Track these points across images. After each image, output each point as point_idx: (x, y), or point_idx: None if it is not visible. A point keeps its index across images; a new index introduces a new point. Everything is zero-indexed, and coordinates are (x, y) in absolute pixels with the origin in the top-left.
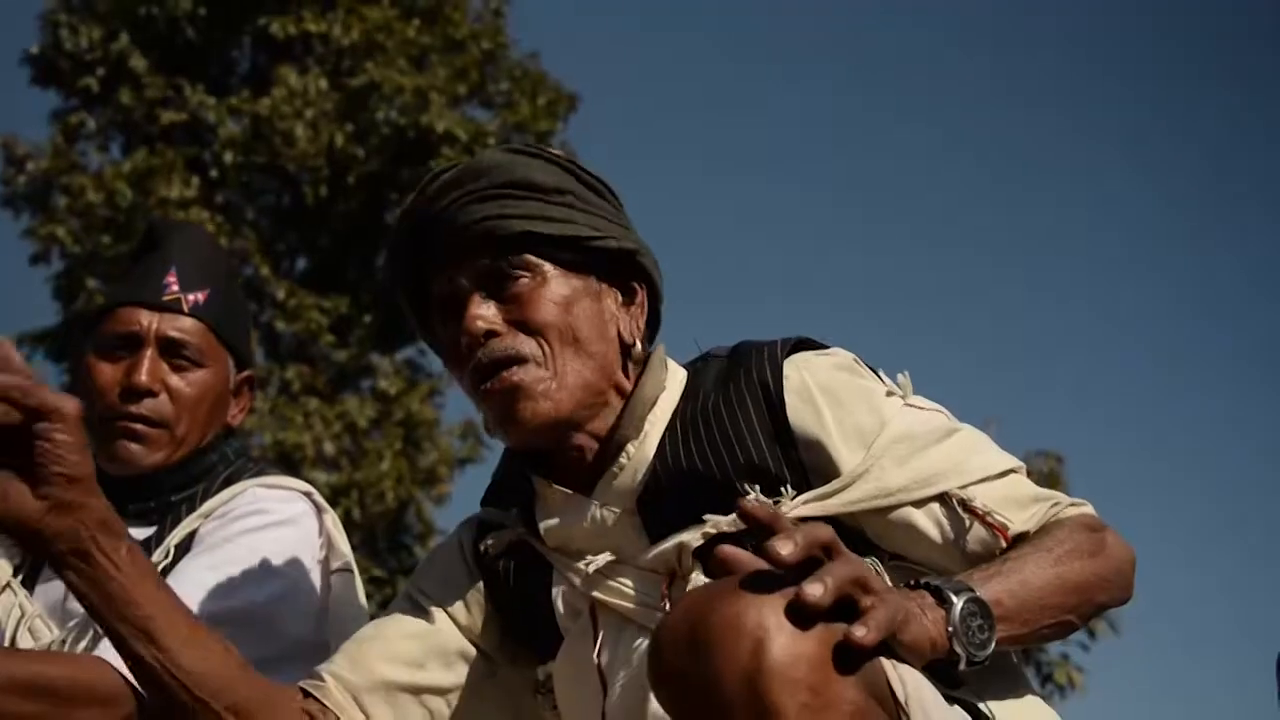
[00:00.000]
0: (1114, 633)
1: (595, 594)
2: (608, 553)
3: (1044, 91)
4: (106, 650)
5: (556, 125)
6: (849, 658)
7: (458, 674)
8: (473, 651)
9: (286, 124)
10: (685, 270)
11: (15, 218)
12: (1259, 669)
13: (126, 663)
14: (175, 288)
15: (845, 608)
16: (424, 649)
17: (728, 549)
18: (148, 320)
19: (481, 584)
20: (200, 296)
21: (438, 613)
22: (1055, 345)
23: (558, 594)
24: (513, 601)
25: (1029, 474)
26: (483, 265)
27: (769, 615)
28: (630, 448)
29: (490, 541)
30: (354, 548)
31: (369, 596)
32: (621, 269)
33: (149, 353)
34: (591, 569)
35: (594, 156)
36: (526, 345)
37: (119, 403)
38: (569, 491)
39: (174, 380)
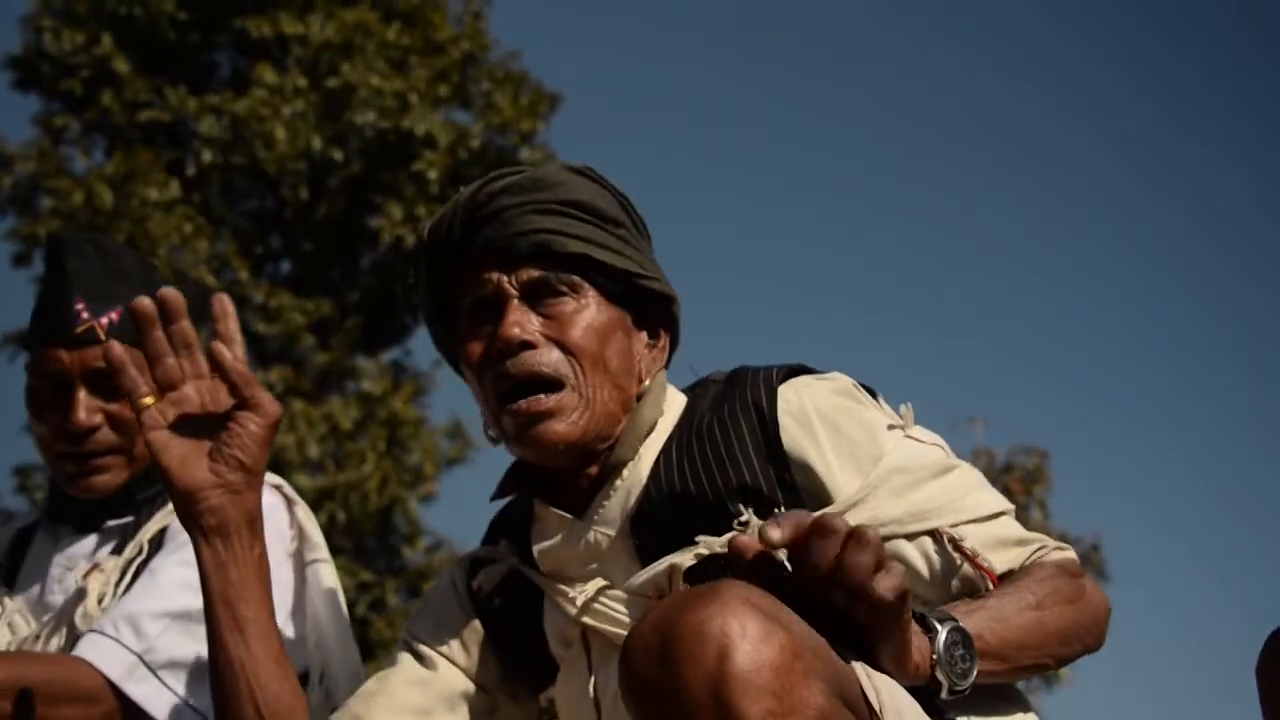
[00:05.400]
0: None
1: (587, 620)
2: (599, 580)
3: (1029, 79)
4: (84, 648)
5: (539, 125)
6: (815, 663)
7: (463, 716)
8: (475, 691)
9: (265, 124)
10: (671, 267)
11: None
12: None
13: (210, 647)
14: (85, 315)
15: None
16: (428, 696)
17: (741, 539)
18: (68, 359)
19: (477, 622)
20: (114, 316)
21: (437, 657)
22: (1039, 340)
23: (549, 622)
24: (508, 635)
25: (1014, 470)
26: (531, 275)
27: (733, 622)
28: (625, 470)
29: (482, 579)
30: (342, 551)
31: (357, 600)
32: (653, 312)
33: (79, 394)
34: (581, 600)
35: (577, 155)
36: (560, 365)
37: (67, 446)
38: (565, 515)
39: (113, 407)
